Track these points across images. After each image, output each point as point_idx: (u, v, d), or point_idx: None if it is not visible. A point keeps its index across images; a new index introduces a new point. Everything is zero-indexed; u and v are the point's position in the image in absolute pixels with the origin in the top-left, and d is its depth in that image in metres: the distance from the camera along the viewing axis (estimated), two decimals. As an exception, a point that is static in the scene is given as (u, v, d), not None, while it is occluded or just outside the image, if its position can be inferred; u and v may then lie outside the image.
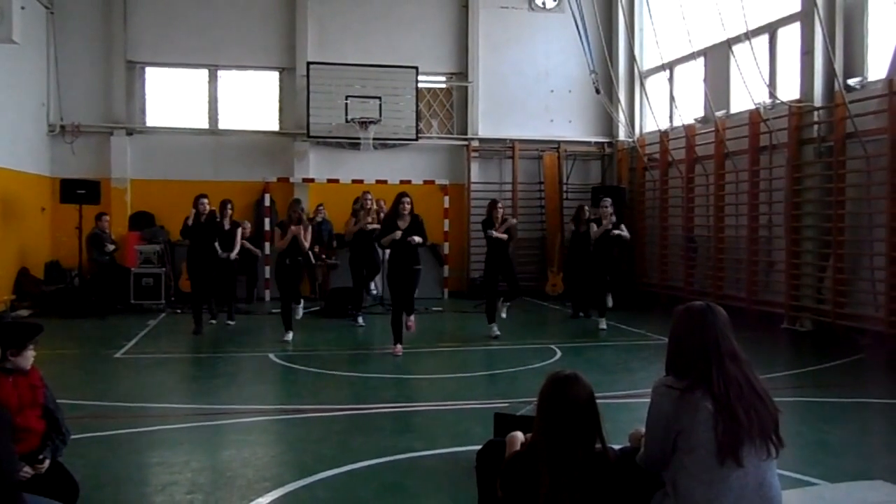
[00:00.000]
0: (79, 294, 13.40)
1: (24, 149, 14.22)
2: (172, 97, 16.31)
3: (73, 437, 4.38)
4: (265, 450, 5.98)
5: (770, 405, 3.06)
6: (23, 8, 12.45)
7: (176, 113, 16.29)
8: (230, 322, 12.04)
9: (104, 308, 13.01)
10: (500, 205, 11.21)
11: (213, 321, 12.07)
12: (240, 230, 12.37)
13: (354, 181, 15.59)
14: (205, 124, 16.37)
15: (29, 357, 4.04)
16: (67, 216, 13.96)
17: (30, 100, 14.68)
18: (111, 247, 13.49)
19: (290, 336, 10.58)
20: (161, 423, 6.53)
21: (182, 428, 6.38)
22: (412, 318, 9.91)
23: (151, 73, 16.28)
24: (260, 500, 4.67)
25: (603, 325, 11.81)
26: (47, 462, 3.96)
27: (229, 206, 12.15)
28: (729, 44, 12.72)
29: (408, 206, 9.71)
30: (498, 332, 10.90)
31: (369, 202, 12.20)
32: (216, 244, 11.60)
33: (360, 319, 12.19)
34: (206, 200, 11.51)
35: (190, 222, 11.33)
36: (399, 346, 9.67)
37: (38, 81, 15.01)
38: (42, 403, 4.10)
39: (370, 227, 11.83)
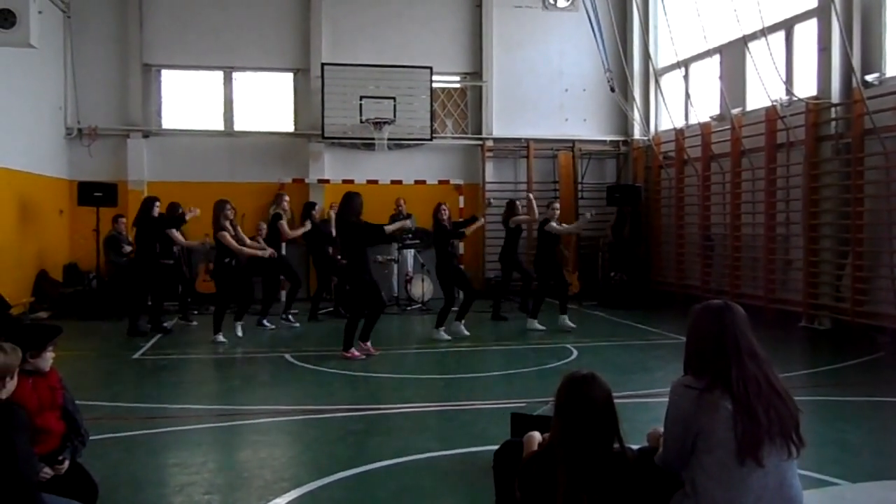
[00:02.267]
0: (97, 296, 13.48)
1: (41, 152, 14.33)
2: (188, 99, 16.39)
3: (91, 438, 4.41)
4: (282, 450, 6.00)
5: (790, 404, 3.03)
6: (40, 12, 12.52)
7: (192, 115, 16.37)
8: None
9: (122, 310, 13.08)
10: (444, 206, 11.14)
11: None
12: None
13: (369, 181, 15.61)
14: (220, 126, 16.43)
15: (48, 359, 4.06)
16: (85, 218, 14.05)
17: (47, 103, 14.79)
18: (128, 248, 13.58)
19: (220, 337, 10.53)
20: (179, 424, 6.56)
21: (199, 429, 6.41)
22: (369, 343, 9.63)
23: (167, 76, 16.37)
24: (277, 500, 4.68)
25: (533, 325, 11.52)
26: (67, 463, 3.98)
27: (179, 209, 11.94)
28: (745, 41, 12.64)
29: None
30: (447, 337, 10.72)
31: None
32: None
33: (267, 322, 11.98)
34: (157, 204, 11.64)
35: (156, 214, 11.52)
36: (355, 351, 9.48)
37: (56, 85, 15.12)
38: (61, 405, 4.12)
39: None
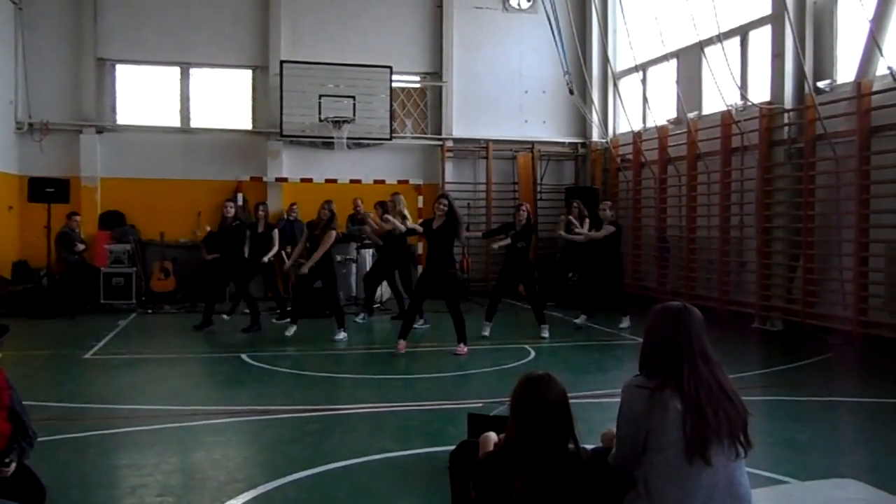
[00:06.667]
0: (47, 294, 13.21)
1: (-9, 146, 14.01)
2: (143, 95, 16.12)
3: (40, 439, 4.32)
4: (237, 451, 5.93)
5: (740, 407, 3.08)
6: (-10, 3, 12.27)
7: (147, 111, 16.10)
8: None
9: (73, 308, 12.85)
10: (524, 206, 11.22)
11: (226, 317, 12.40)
12: (276, 233, 12.40)
13: (328, 180, 15.53)
14: (176, 122, 16.20)
15: (-6, 358, 3.98)
16: (36, 215, 13.74)
17: (-3, 97, 14.46)
18: (81, 246, 13.34)
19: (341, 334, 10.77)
20: (131, 425, 6.45)
21: (152, 429, 6.31)
22: (462, 345, 9.70)
23: (122, 71, 16.09)
24: (231, 501, 4.63)
25: (626, 323, 12.07)
26: (13, 465, 3.90)
27: (261, 208, 12.51)
28: (701, 46, 12.84)
29: (443, 209, 9.66)
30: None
31: (400, 204, 12.16)
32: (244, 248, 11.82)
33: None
34: (231, 205, 11.81)
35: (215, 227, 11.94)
36: (402, 343, 9.71)
37: (6, 78, 14.76)
38: (7, 405, 4.03)
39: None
